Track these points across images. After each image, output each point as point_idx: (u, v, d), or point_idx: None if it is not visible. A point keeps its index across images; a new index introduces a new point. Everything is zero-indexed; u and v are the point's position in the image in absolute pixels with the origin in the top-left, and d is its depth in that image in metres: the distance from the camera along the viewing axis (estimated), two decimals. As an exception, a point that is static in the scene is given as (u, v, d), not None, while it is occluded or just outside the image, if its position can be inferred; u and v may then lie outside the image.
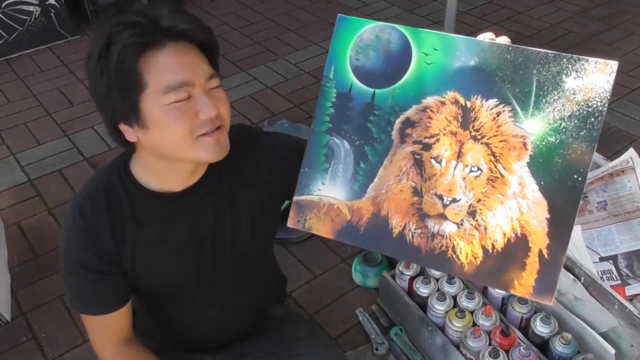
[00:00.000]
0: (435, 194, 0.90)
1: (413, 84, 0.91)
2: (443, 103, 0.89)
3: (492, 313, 1.51)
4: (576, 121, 0.83)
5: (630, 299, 1.53)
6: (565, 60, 0.83)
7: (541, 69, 0.85)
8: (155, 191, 1.06)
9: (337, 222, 0.94)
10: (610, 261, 1.61)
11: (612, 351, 1.40)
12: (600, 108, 0.83)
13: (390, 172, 0.92)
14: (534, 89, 0.85)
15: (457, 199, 0.89)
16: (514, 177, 0.86)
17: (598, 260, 1.62)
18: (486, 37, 0.89)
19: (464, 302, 1.57)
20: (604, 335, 1.43)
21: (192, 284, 1.16)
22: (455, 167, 0.89)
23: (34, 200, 2.51)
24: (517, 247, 0.86)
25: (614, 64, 0.82)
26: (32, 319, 1.99)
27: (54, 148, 2.82)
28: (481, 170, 0.88)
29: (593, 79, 0.82)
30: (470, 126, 0.88)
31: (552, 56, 0.84)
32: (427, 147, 0.90)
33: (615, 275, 1.59)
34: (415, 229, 0.91)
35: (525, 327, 1.52)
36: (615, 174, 1.65)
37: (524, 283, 0.85)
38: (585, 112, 0.83)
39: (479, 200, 0.88)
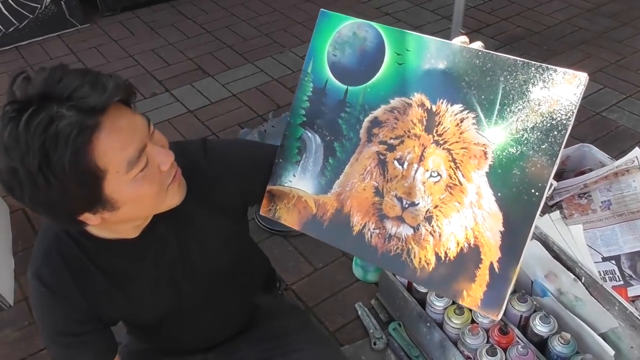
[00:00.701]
0: (396, 195, 0.91)
1: (384, 83, 0.91)
2: (410, 105, 0.89)
3: (491, 310, 1.51)
4: (538, 133, 0.80)
5: (633, 299, 1.52)
6: (533, 68, 0.81)
7: (508, 77, 0.82)
8: (110, 239, 1.00)
9: (303, 215, 0.98)
10: (613, 261, 1.60)
11: (612, 352, 1.39)
12: (565, 122, 0.79)
13: (355, 169, 0.94)
14: (500, 96, 0.83)
15: (416, 202, 0.90)
16: (472, 186, 0.86)
17: (600, 260, 1.61)
18: (459, 41, 0.87)
19: (463, 299, 1.57)
20: (603, 336, 1.42)
21: (174, 310, 1.14)
22: (416, 171, 0.90)
23: (39, 187, 2.53)
24: (469, 257, 0.85)
25: (583, 77, 0.78)
26: (34, 305, 2.01)
27: (60, 136, 2.83)
28: (441, 176, 0.88)
29: (560, 90, 0.79)
30: (434, 130, 0.88)
31: (521, 64, 0.82)
32: (392, 148, 0.92)
33: (617, 276, 1.58)
34: (374, 229, 0.93)
35: (524, 326, 1.52)
36: (620, 173, 1.64)
37: (473, 295, 0.85)
38: (548, 125, 0.80)
39: (436, 206, 0.88)
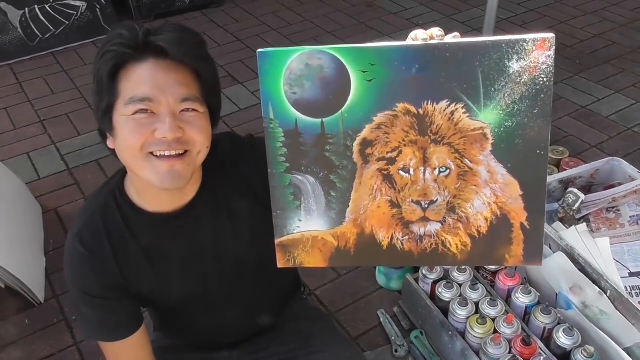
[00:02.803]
0: (412, 201, 0.92)
1: (360, 104, 0.88)
2: (395, 116, 0.88)
3: (514, 321, 1.50)
4: (528, 101, 0.85)
5: (659, 316, 1.50)
6: (504, 45, 0.83)
7: (483, 60, 0.84)
8: (149, 212, 1.06)
9: (326, 251, 0.95)
10: (641, 277, 1.58)
11: (636, 367, 1.37)
12: (548, 83, 0.84)
13: (363, 193, 0.93)
14: (481, 80, 0.85)
15: (434, 200, 0.91)
16: (482, 167, 0.89)
17: (627, 276, 1.59)
18: (419, 36, 0.85)
19: (486, 309, 1.56)
20: (628, 351, 1.40)
21: (200, 296, 1.17)
22: (424, 173, 0.91)
23: (71, 188, 2.59)
24: (501, 226, 0.90)
25: (551, 37, 0.82)
26: (64, 302, 2.05)
27: (93, 139, 2.90)
28: (449, 169, 0.90)
29: (535, 57, 0.83)
30: (429, 131, 0.89)
31: (491, 44, 0.83)
32: (392, 161, 0.91)
33: (645, 292, 1.55)
34: (402, 237, 0.93)
35: (547, 338, 1.51)
36: (649, 187, 1.62)
37: (514, 254, 0.91)
38: (534, 91, 0.84)
39: (455, 196, 0.91)
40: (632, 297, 1.52)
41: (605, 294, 1.43)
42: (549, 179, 1.69)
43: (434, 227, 0.92)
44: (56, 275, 2.16)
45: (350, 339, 1.77)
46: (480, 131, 0.87)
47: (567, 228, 1.63)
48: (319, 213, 0.94)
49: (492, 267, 1.69)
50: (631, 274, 1.59)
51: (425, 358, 1.70)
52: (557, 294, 1.57)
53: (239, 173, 1.07)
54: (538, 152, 0.87)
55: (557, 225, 1.68)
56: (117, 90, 0.93)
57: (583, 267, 1.49)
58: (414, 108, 0.88)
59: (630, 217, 1.69)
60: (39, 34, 3.63)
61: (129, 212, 1.06)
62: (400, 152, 0.90)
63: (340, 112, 0.89)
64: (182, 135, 0.95)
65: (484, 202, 0.91)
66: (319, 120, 0.90)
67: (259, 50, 0.87)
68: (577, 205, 1.69)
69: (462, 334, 1.56)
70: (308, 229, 0.95)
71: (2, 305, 2.01)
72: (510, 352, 1.45)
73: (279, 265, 0.97)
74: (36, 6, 3.55)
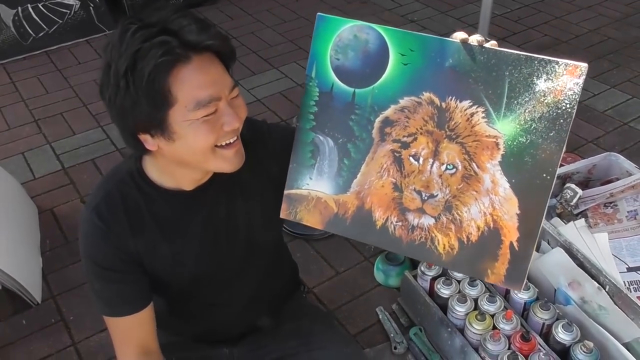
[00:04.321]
0: (414, 189, 0.94)
1: (391, 84, 0.93)
2: (420, 104, 0.92)
3: (513, 317, 1.50)
4: (546, 122, 0.86)
5: (658, 310, 1.50)
6: (536, 62, 0.85)
7: (513, 71, 0.86)
8: (168, 189, 1.08)
9: (325, 215, 1.00)
10: (639, 272, 1.58)
11: (635, 362, 1.37)
12: (570, 110, 0.85)
13: (372, 168, 0.97)
14: (506, 90, 0.87)
15: (435, 194, 0.93)
16: (487, 175, 0.90)
17: (625, 271, 1.59)
18: (458, 37, 0.89)
19: (485, 305, 1.56)
20: (627, 346, 1.40)
21: (210, 278, 1.18)
22: (432, 165, 0.93)
23: (67, 188, 2.58)
24: (490, 239, 0.91)
25: (583, 67, 0.83)
26: (61, 302, 2.05)
27: (88, 138, 2.89)
28: (456, 168, 0.92)
29: (563, 81, 0.84)
30: (446, 126, 0.91)
31: (524, 58, 0.86)
32: (406, 145, 0.94)
33: (643, 286, 1.56)
34: (396, 222, 0.96)
35: (546, 334, 1.51)
36: (646, 182, 1.62)
37: (497, 272, 0.92)
38: (555, 114, 0.85)
39: (454, 196, 0.93)
40: (631, 292, 1.52)
41: (604, 289, 1.43)
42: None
43: (427, 221, 0.94)
44: (53, 276, 2.15)
45: (350, 336, 1.77)
46: (494, 139, 0.89)
47: (566, 223, 1.64)
48: (329, 176, 0.99)
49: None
50: (629, 269, 1.59)
51: (424, 355, 1.70)
52: (555, 290, 1.57)
53: (255, 156, 1.09)
54: (544, 175, 0.87)
55: (556, 220, 1.68)
56: (172, 95, 0.91)
57: (581, 263, 1.49)
58: (438, 100, 0.90)
59: (628, 212, 1.69)
60: (32, 33, 3.60)
61: (147, 188, 1.08)
62: (416, 139, 0.93)
63: (372, 86, 0.94)
64: (241, 122, 0.99)
65: (481, 210, 0.92)
66: (352, 89, 0.95)
67: (319, 13, 0.96)
68: (575, 200, 1.69)
69: (461, 331, 1.56)
70: (315, 189, 1.00)
71: (-1, 306, 2.00)
72: (509, 348, 1.45)
73: (281, 215, 1.02)
74: (29, 5, 3.52)
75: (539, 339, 1.48)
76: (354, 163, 0.97)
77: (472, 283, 1.63)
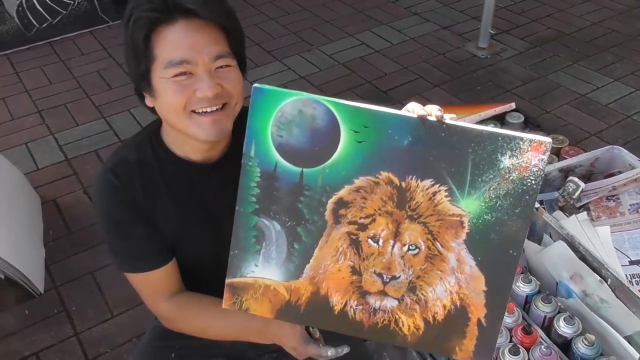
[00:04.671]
0: (375, 272, 0.89)
1: (344, 163, 0.85)
2: (377, 183, 0.86)
3: (514, 310, 1.50)
4: (511, 199, 0.83)
5: (659, 303, 1.50)
6: (500, 138, 0.81)
7: (476, 148, 0.82)
8: (179, 156, 1.11)
9: (275, 303, 0.92)
10: (641, 265, 1.58)
11: (637, 355, 1.37)
12: (535, 186, 0.82)
13: (326, 252, 0.89)
14: (470, 168, 0.83)
15: (397, 276, 0.89)
16: (452, 254, 0.87)
17: (627, 264, 1.59)
18: (415, 111, 0.83)
19: (486, 298, 1.56)
20: (628, 339, 1.40)
21: (211, 260, 1.15)
22: (393, 246, 0.88)
23: (70, 178, 2.59)
24: (457, 317, 0.89)
25: (548, 143, 0.80)
26: (64, 293, 2.06)
27: (91, 129, 2.90)
28: (419, 249, 0.88)
29: (528, 157, 0.81)
30: (407, 206, 0.86)
31: (487, 134, 0.81)
32: (363, 227, 0.88)
33: (645, 280, 1.56)
34: (356, 306, 0.90)
35: (548, 327, 1.51)
36: (650, 176, 1.62)
37: (465, 349, 0.89)
38: (520, 190, 0.82)
39: (418, 277, 0.89)
40: (633, 285, 1.52)
41: (606, 282, 1.43)
42: (549, 167, 1.69)
43: (390, 303, 0.90)
44: (56, 266, 2.16)
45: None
46: (458, 218, 0.85)
47: (568, 217, 1.63)
48: (277, 262, 0.90)
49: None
50: (631, 262, 1.59)
51: (425, 347, 1.70)
52: (557, 283, 1.57)
53: None
54: (511, 252, 0.85)
55: (558, 214, 1.68)
56: (152, 53, 0.98)
57: (583, 256, 1.48)
58: (397, 180, 0.85)
59: (631, 205, 1.68)
60: (35, 23, 3.60)
61: (162, 153, 1.12)
62: (374, 220, 0.88)
63: (322, 166, 0.86)
64: (221, 91, 1.00)
65: (446, 289, 0.88)
66: (299, 169, 0.87)
67: (255, 85, 0.84)
68: (577, 193, 1.68)
69: (463, 323, 1.56)
70: (262, 276, 0.91)
71: (2, 296, 2.01)
72: (511, 341, 1.45)
73: (223, 306, 0.94)
74: (32, -5, 3.52)
75: (541, 332, 1.48)
76: (306, 247, 0.89)
77: (473, 276, 1.62)
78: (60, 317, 1.98)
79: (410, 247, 0.88)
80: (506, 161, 0.82)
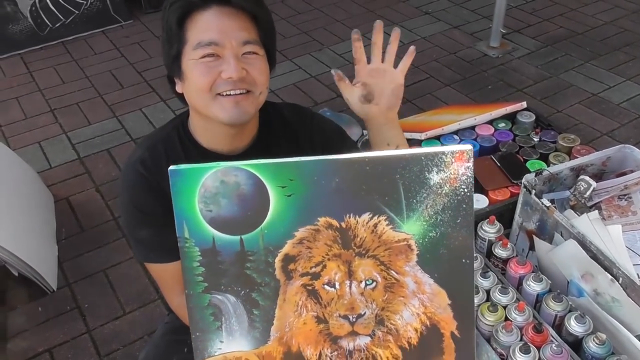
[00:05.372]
0: (340, 315, 0.89)
1: (280, 220, 0.85)
2: (317, 230, 0.86)
3: (525, 309, 1.50)
4: (450, 212, 0.84)
5: (671, 303, 1.49)
6: (423, 157, 0.82)
7: (403, 172, 0.83)
8: (205, 148, 1.13)
9: None
10: (653, 265, 1.57)
11: (648, 354, 1.37)
12: (469, 193, 0.84)
13: (287, 310, 0.89)
14: (402, 192, 0.84)
15: (362, 313, 0.89)
16: (408, 278, 0.88)
17: (639, 263, 1.59)
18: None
19: (497, 296, 1.56)
20: (640, 338, 1.40)
21: None
22: (350, 286, 0.89)
23: (82, 177, 2.61)
24: (431, 336, 0.90)
25: (469, 150, 0.82)
26: (76, 290, 2.08)
27: (104, 128, 2.92)
28: (376, 282, 0.89)
29: (454, 168, 0.83)
30: (352, 244, 0.87)
31: (410, 156, 0.83)
32: (316, 276, 0.88)
33: (657, 280, 1.55)
34: (331, 353, 0.91)
35: (558, 325, 1.50)
36: (662, 175, 1.61)
37: None
38: (456, 201, 0.84)
39: (383, 309, 0.89)
40: (644, 284, 1.51)
41: (617, 281, 1.42)
42: (560, 166, 1.68)
43: (363, 340, 0.90)
44: (68, 264, 2.18)
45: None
46: (405, 242, 0.87)
47: (579, 215, 1.63)
48: (241, 333, 0.90)
49: (504, 255, 1.69)
50: (643, 262, 1.58)
51: (435, 345, 1.70)
52: (568, 282, 1.57)
53: (296, 141, 1.13)
54: (464, 260, 0.87)
55: (569, 212, 1.67)
56: (185, 37, 1.03)
57: (595, 255, 1.48)
58: (336, 222, 0.86)
59: (643, 204, 1.68)
60: (49, 23, 3.64)
61: (188, 144, 1.15)
62: (325, 266, 0.88)
63: (259, 228, 0.85)
64: (246, 76, 1.04)
65: (413, 312, 0.90)
66: (238, 237, 0.86)
67: (170, 167, 0.83)
68: (588, 192, 1.68)
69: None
70: (230, 350, 0.90)
71: (16, 293, 2.04)
72: (521, 339, 1.45)
73: None
74: (46, -4, 3.56)
75: (552, 331, 1.47)
76: (266, 310, 0.89)
77: (484, 275, 1.63)
78: (73, 314, 2.00)
79: (367, 282, 0.89)
80: (435, 177, 0.83)
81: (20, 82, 3.31)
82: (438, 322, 0.89)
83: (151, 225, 1.12)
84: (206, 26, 1.02)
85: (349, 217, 0.86)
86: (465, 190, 0.84)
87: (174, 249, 1.12)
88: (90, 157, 2.73)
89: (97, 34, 3.79)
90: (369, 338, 0.90)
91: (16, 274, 1.94)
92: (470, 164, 0.83)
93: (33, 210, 2.25)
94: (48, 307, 2.03)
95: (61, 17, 3.67)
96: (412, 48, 1.18)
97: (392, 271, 0.88)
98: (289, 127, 1.08)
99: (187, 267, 0.87)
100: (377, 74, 1.18)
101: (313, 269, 0.88)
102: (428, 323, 0.90)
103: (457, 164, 0.83)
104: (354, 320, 0.89)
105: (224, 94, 1.03)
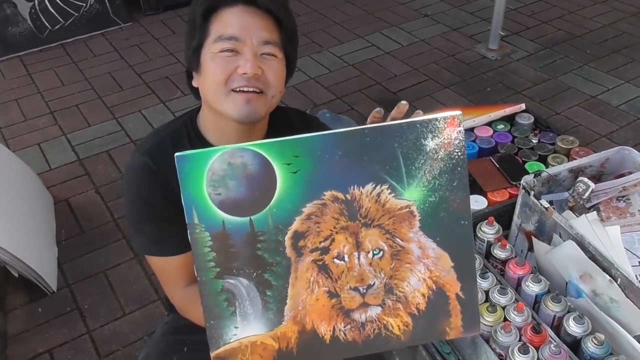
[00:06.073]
0: (350, 287, 0.91)
1: (287, 197, 0.87)
2: (324, 205, 0.88)
3: (524, 309, 1.50)
4: (447, 175, 0.88)
5: (670, 304, 1.49)
6: (418, 125, 0.86)
7: (401, 140, 0.87)
8: (214, 146, 1.12)
9: (267, 356, 0.92)
10: (651, 266, 1.58)
11: (646, 355, 1.37)
12: (462, 156, 0.88)
13: (299, 287, 0.90)
14: (401, 160, 0.87)
15: (372, 284, 0.92)
16: (413, 245, 0.91)
17: (637, 264, 1.59)
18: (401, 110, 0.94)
19: (496, 297, 1.57)
20: (638, 339, 1.40)
21: None
22: (358, 258, 0.91)
23: (82, 178, 2.62)
24: (438, 300, 0.92)
25: (459, 114, 0.86)
26: (76, 291, 2.08)
27: (103, 130, 2.92)
28: (383, 251, 0.91)
29: (447, 133, 0.87)
30: (358, 215, 0.89)
31: (406, 125, 0.86)
32: (326, 250, 0.90)
33: (655, 281, 1.55)
34: (345, 327, 0.92)
35: (557, 326, 1.51)
36: (660, 176, 1.62)
37: (454, 326, 0.94)
38: (451, 165, 0.88)
39: (391, 277, 0.92)
40: (643, 285, 1.52)
41: (616, 282, 1.43)
42: (559, 168, 1.69)
43: (374, 311, 0.93)
44: (68, 265, 2.19)
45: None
46: (407, 209, 0.90)
47: (577, 217, 1.63)
48: (256, 316, 0.90)
49: (503, 256, 1.70)
50: (641, 263, 1.59)
51: (435, 346, 1.70)
52: (567, 283, 1.57)
53: None
54: (462, 222, 0.90)
55: (567, 214, 1.68)
56: (208, 30, 1.05)
57: (593, 256, 1.49)
58: (341, 194, 0.88)
59: (641, 206, 1.68)
60: (48, 25, 3.64)
61: (196, 140, 1.16)
62: (333, 240, 0.90)
63: (268, 207, 0.87)
64: (261, 75, 1.05)
65: (419, 278, 0.92)
66: (247, 218, 0.87)
67: (177, 154, 0.83)
68: (587, 194, 1.68)
69: (472, 322, 1.57)
70: (246, 335, 0.90)
71: (16, 294, 2.04)
72: (520, 340, 1.46)
73: None
74: (45, -2, 3.56)
75: (550, 331, 1.48)
76: (279, 290, 0.90)
77: (483, 275, 1.63)
78: (72, 315, 2.00)
79: (375, 252, 0.91)
80: (430, 143, 0.87)
81: (19, 84, 3.32)
82: (443, 285, 0.92)
83: (156, 218, 1.13)
84: (230, 21, 1.04)
85: (354, 189, 0.88)
86: (459, 153, 0.88)
87: (177, 242, 1.12)
88: (90, 158, 2.74)
89: (96, 36, 3.80)
90: (379, 308, 0.93)
91: (16, 275, 1.94)
92: (461, 128, 0.87)
93: (33, 211, 2.26)
94: (48, 308, 2.03)
95: (61, 20, 3.67)
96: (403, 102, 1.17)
97: (397, 239, 0.91)
98: (295, 131, 1.08)
99: (198, 253, 0.87)
100: None
101: (322, 244, 0.90)
102: (434, 287, 0.92)
103: (449, 129, 0.87)
104: (364, 291, 0.92)
105: (238, 89, 1.04)
